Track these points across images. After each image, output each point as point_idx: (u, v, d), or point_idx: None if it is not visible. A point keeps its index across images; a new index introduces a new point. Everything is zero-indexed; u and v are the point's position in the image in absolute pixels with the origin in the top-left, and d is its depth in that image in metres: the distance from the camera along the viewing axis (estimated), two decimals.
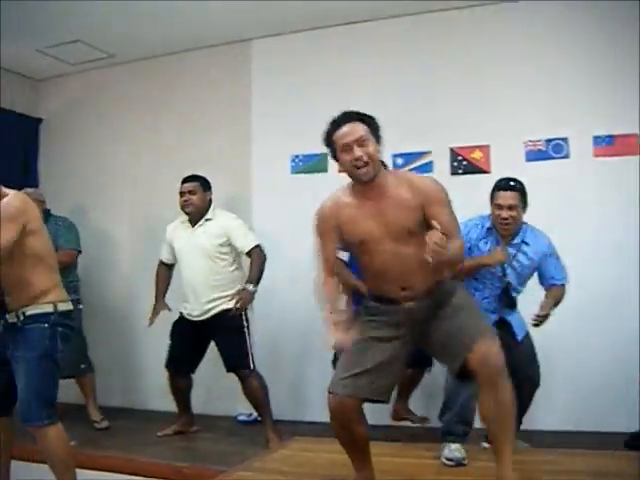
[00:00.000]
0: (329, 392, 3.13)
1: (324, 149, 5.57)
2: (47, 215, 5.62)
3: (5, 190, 3.53)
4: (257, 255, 4.94)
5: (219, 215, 5.10)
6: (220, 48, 6.19)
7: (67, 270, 5.60)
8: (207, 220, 5.06)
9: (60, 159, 6.87)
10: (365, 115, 3.12)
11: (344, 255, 4.92)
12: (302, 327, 5.64)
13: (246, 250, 4.96)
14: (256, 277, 4.91)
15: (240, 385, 4.91)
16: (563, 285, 4.23)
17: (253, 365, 4.87)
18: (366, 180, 3.04)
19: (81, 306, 5.68)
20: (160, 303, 5.24)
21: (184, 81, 6.38)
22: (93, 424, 5.46)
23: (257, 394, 4.84)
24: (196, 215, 5.07)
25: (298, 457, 4.11)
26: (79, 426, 5.37)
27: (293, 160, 5.85)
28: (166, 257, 5.31)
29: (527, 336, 4.27)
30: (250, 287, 4.87)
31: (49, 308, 3.58)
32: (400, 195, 3.06)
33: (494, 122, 5.26)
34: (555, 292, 4.19)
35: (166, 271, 5.33)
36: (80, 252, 5.68)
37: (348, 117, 3.11)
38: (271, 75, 6.00)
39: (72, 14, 5.49)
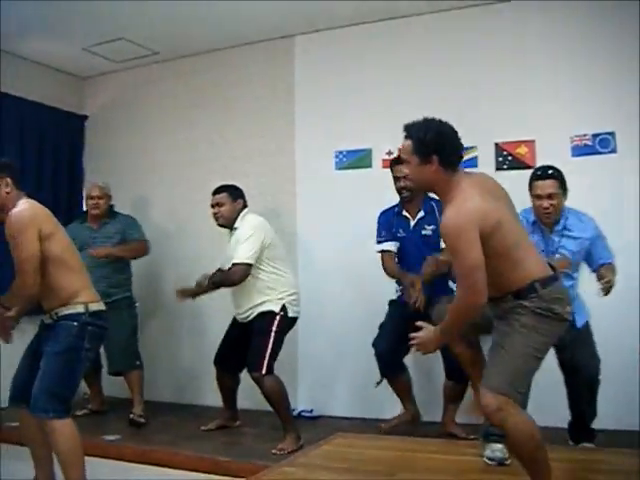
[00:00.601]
0: None
1: (368, 144, 5.66)
2: (111, 212, 5.78)
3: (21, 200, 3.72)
4: (233, 273, 4.84)
5: (243, 222, 5.02)
6: (263, 44, 6.20)
7: (126, 267, 5.78)
8: (234, 229, 5.04)
9: (104, 156, 6.95)
10: (413, 133, 3.15)
11: (393, 246, 4.94)
12: (343, 322, 5.63)
13: (231, 261, 4.87)
14: (216, 282, 4.93)
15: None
16: (611, 263, 4.16)
17: (267, 369, 4.73)
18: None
19: (137, 304, 5.82)
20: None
21: (227, 78, 6.40)
22: (130, 416, 5.49)
23: (270, 396, 4.75)
24: (228, 225, 5.07)
25: (341, 453, 4.11)
26: (124, 421, 5.45)
27: (337, 156, 5.84)
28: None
29: (587, 325, 4.18)
30: (202, 280, 4.95)
31: (81, 308, 3.74)
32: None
33: (540, 117, 5.19)
34: (606, 268, 4.12)
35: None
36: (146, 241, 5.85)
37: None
38: (314, 71, 6.00)
39: (117, 12, 5.54)
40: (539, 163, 5.09)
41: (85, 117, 7.16)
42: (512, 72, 5.30)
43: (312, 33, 5.98)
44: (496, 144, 5.30)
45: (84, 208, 6.00)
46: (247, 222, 5.02)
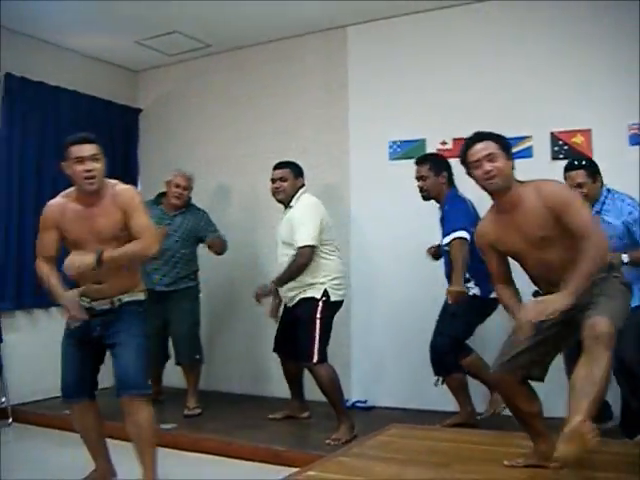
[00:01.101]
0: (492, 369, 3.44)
1: (422, 135, 5.63)
2: (189, 204, 5.82)
3: (110, 180, 3.76)
4: (299, 256, 4.80)
5: (299, 202, 5.00)
6: (315, 35, 6.21)
7: (194, 257, 5.82)
8: (289, 208, 5.02)
9: (158, 148, 7.03)
10: (494, 134, 3.37)
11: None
12: (399, 313, 5.62)
13: (295, 246, 4.85)
14: (284, 278, 4.86)
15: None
16: None
17: (318, 357, 4.73)
18: (496, 189, 3.27)
19: (201, 295, 5.84)
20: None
21: (280, 69, 6.42)
22: (184, 409, 5.53)
23: (324, 384, 4.75)
24: (284, 202, 5.06)
25: (397, 443, 4.10)
26: (179, 410, 5.51)
27: (391, 146, 5.81)
28: None
29: (637, 310, 4.03)
30: (272, 284, 4.89)
31: (142, 296, 3.87)
32: (529, 204, 3.25)
33: (596, 106, 5.10)
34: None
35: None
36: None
37: (479, 137, 3.37)
38: (367, 61, 5.98)
39: (169, 6, 5.59)
40: (595, 152, 5.03)
41: (139, 110, 7.26)
42: (568, 60, 5.21)
43: (365, 23, 5.97)
44: (552, 133, 5.22)
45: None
46: (303, 203, 5.00)
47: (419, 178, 4.87)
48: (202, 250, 5.87)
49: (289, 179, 5.04)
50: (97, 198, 3.67)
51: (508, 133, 5.17)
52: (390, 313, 5.70)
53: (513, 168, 3.31)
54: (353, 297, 5.61)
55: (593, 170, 4.32)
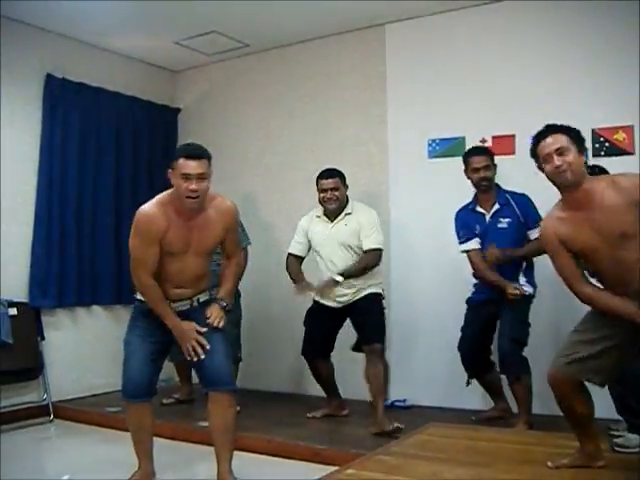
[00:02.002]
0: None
1: (461, 133, 5.60)
2: None
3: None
4: (368, 257, 4.98)
5: (357, 209, 5.12)
6: (353, 34, 6.19)
7: None
8: (347, 214, 5.09)
9: None
10: (566, 127, 3.27)
11: (476, 243, 4.88)
12: (439, 312, 5.60)
13: (365, 248, 4.99)
14: (352, 272, 4.94)
15: (364, 364, 4.92)
16: None
17: (383, 346, 4.91)
18: (567, 185, 3.18)
19: (241, 296, 5.79)
20: (303, 282, 5.19)
21: (318, 68, 6.42)
22: None
23: (378, 376, 4.82)
24: (337, 210, 5.10)
25: (436, 442, 4.09)
26: None
27: (430, 144, 5.78)
28: (297, 250, 5.31)
29: None
30: (337, 277, 4.93)
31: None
32: (606, 200, 3.13)
33: (638, 101, 5.03)
34: None
35: (297, 262, 5.31)
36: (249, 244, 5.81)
37: (551, 129, 3.27)
38: (405, 59, 5.94)
39: (208, 6, 5.61)
40: (638, 149, 4.96)
41: (178, 110, 7.31)
42: (610, 55, 5.14)
43: (403, 21, 5.93)
44: (593, 130, 5.15)
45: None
46: (365, 209, 5.16)
47: (483, 168, 4.82)
48: None
49: (340, 188, 5.10)
50: (199, 211, 3.69)
51: None
52: (429, 313, 5.67)
53: (586, 163, 3.25)
54: (392, 296, 5.59)
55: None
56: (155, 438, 3.96)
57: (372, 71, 6.09)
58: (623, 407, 4.01)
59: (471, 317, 4.98)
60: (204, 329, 3.75)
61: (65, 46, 6.20)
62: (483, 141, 5.43)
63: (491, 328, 4.92)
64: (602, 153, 5.08)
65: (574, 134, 3.24)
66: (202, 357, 3.71)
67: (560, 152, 3.16)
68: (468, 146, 5.52)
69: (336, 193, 5.05)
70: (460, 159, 5.11)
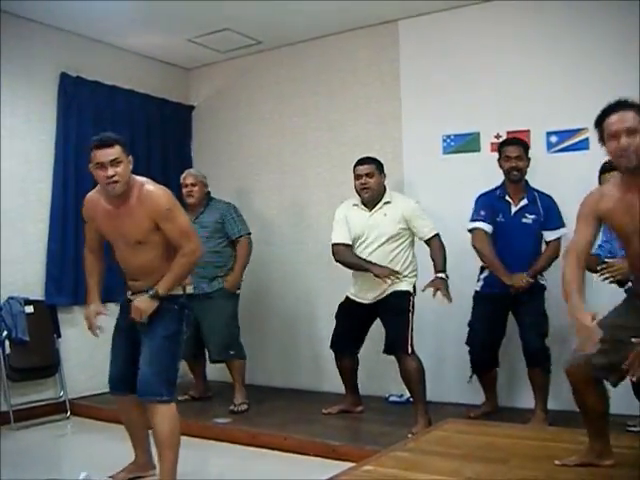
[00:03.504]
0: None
1: (476, 128, 5.59)
2: (208, 199, 5.73)
3: (138, 178, 3.71)
4: (438, 244, 4.91)
5: (397, 198, 5.04)
6: (366, 30, 6.18)
7: (232, 253, 5.69)
8: (386, 203, 5.00)
9: (211, 145, 7.08)
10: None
11: (489, 227, 4.87)
12: (454, 308, 5.57)
13: (426, 238, 4.93)
14: (442, 265, 4.85)
15: (397, 366, 4.87)
16: None
17: (412, 348, 4.78)
18: (628, 168, 3.00)
19: (238, 291, 5.74)
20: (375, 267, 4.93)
21: (331, 65, 6.41)
22: (230, 407, 5.46)
23: (412, 376, 4.77)
24: (373, 198, 5.00)
25: (453, 439, 4.08)
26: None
27: (445, 140, 5.77)
28: (345, 238, 5.04)
29: None
30: (441, 275, 4.81)
31: (179, 290, 3.76)
32: None
33: None
34: None
35: (349, 250, 5.04)
36: (250, 234, 5.72)
37: (623, 105, 3.02)
38: (419, 56, 5.92)
39: (221, 3, 5.62)
40: None
41: (192, 107, 7.32)
42: (625, 49, 5.10)
43: (416, 17, 5.91)
44: None
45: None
46: (404, 197, 5.13)
47: (516, 158, 4.79)
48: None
49: (375, 175, 5.00)
50: (124, 199, 3.63)
51: (563, 125, 5.26)
52: (444, 309, 5.65)
53: None
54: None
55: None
56: None
57: (386, 68, 6.07)
58: None
59: (481, 312, 4.96)
60: (147, 328, 3.68)
61: (79, 44, 6.22)
62: (498, 136, 5.41)
63: (502, 324, 4.92)
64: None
65: None
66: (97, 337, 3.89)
67: (630, 132, 2.94)
68: (483, 142, 5.53)
69: (370, 180, 4.95)
70: (475, 154, 5.11)
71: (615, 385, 3.26)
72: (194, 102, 7.33)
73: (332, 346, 5.25)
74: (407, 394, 5.22)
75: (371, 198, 4.99)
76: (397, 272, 4.86)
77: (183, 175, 5.73)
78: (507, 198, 4.88)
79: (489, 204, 4.91)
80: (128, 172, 3.62)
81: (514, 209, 4.85)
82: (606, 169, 4.20)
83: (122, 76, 6.55)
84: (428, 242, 4.93)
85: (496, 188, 4.96)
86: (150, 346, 3.66)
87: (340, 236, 5.08)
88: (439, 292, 4.72)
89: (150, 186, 3.68)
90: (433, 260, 4.88)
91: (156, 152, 6.78)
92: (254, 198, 6.71)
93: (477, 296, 5.02)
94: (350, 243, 5.05)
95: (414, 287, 4.94)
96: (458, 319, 5.25)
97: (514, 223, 4.83)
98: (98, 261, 3.98)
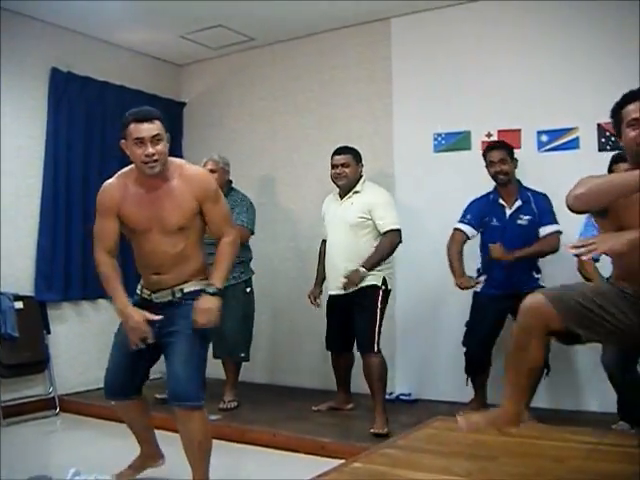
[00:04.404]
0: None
1: (467, 127, 5.61)
2: (229, 188, 5.57)
3: (175, 159, 3.51)
4: (389, 239, 4.85)
5: (368, 188, 5.03)
6: (358, 28, 6.18)
7: (245, 248, 5.51)
8: (355, 193, 4.99)
9: (202, 141, 7.07)
10: None
11: (470, 232, 4.88)
12: (445, 306, 5.61)
13: (382, 230, 4.89)
14: (372, 261, 4.80)
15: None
16: None
17: (377, 347, 4.77)
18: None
19: (249, 289, 5.60)
20: (314, 289, 5.26)
21: (323, 62, 6.41)
22: (220, 405, 5.41)
23: (375, 374, 4.76)
24: (347, 188, 5.02)
25: (442, 436, 4.08)
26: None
27: (436, 139, 5.78)
28: (324, 234, 5.21)
29: None
30: (361, 270, 4.78)
31: (206, 285, 3.47)
32: None
33: None
34: None
35: (322, 249, 5.27)
36: (253, 233, 5.58)
37: None
38: (411, 53, 5.93)
39: (213, 0, 5.61)
40: None
41: (183, 104, 7.31)
42: (615, 50, 5.11)
43: (408, 15, 5.92)
44: (598, 125, 5.14)
45: None
46: (377, 188, 5.08)
47: (499, 162, 4.79)
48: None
49: (351, 165, 5.01)
50: (161, 180, 3.37)
51: (554, 124, 5.27)
52: (435, 306, 5.68)
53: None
54: (398, 289, 5.59)
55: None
56: (159, 431, 3.97)
57: (378, 65, 6.08)
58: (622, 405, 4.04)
59: (481, 313, 4.91)
60: (175, 328, 3.40)
61: (70, 40, 6.20)
62: (489, 135, 5.44)
63: (500, 325, 4.89)
64: (608, 147, 5.07)
65: None
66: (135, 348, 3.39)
67: None
68: (474, 140, 5.54)
69: (346, 170, 4.96)
70: (466, 153, 5.12)
71: (584, 341, 2.97)
72: (185, 98, 7.33)
73: (327, 347, 5.26)
74: (413, 392, 5.22)
75: (345, 187, 5.01)
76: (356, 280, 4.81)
77: (204, 160, 5.45)
78: (501, 202, 4.87)
79: (479, 209, 4.93)
80: (167, 150, 3.38)
81: (509, 212, 4.85)
82: (617, 160, 4.17)
83: (113, 72, 6.54)
84: (384, 234, 4.88)
85: (489, 193, 4.96)
86: (184, 347, 3.37)
87: (324, 232, 5.22)
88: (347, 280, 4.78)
89: (194, 166, 3.52)
90: (373, 251, 4.84)
91: None
92: (247, 194, 6.70)
93: (476, 297, 5.00)
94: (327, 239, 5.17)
95: (384, 280, 4.87)
96: (451, 318, 5.27)
97: (510, 226, 4.82)
98: (116, 268, 3.52)
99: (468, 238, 4.92)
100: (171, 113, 7.13)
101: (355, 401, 5.40)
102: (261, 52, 6.78)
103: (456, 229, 4.94)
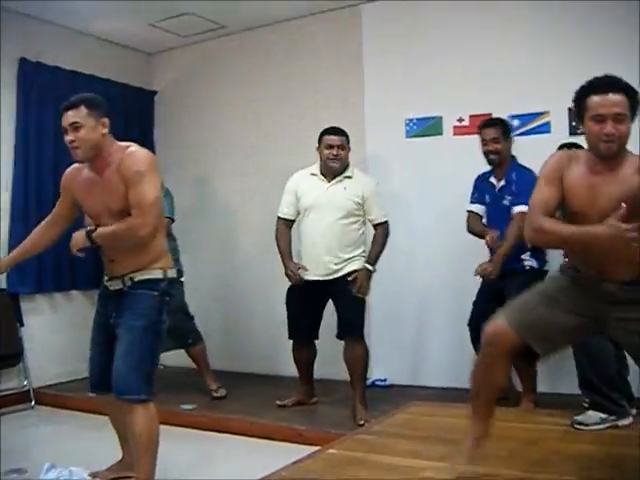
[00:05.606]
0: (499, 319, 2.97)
1: (438, 112, 5.61)
2: None
3: (123, 143, 3.46)
4: (383, 232, 4.85)
5: (359, 175, 4.94)
6: (329, 14, 6.16)
7: (169, 238, 5.47)
8: (347, 177, 4.89)
9: (174, 130, 7.04)
10: (630, 89, 2.78)
11: (480, 209, 4.85)
12: (419, 291, 5.63)
13: (376, 222, 4.86)
14: (376, 256, 4.82)
15: (344, 348, 4.80)
16: None
17: (363, 333, 4.78)
18: (608, 156, 2.78)
19: (182, 279, 5.46)
20: (291, 263, 4.97)
21: (294, 49, 6.39)
22: (211, 393, 5.46)
23: (358, 362, 4.74)
24: (337, 170, 4.88)
25: (418, 421, 4.12)
26: (199, 390, 5.53)
27: (407, 124, 5.79)
28: (287, 212, 5.03)
29: None
30: (369, 267, 4.78)
31: (159, 274, 3.41)
32: (625, 175, 2.75)
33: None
34: None
35: (287, 230, 5.05)
36: (173, 221, 5.46)
37: (612, 85, 2.77)
38: (381, 39, 5.92)
39: None
40: None
41: (154, 92, 7.26)
42: (584, 34, 5.14)
43: (378, 1, 5.91)
44: (569, 109, 5.15)
45: None
46: (366, 176, 5.03)
47: (491, 141, 4.68)
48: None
49: (346, 147, 4.92)
50: (104, 165, 3.35)
51: (526, 109, 5.29)
52: (410, 292, 5.70)
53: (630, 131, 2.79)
54: (373, 276, 5.61)
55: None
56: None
57: (349, 51, 6.07)
58: (584, 382, 4.04)
59: (479, 293, 4.82)
60: (120, 319, 3.36)
61: (39, 29, 6.12)
62: (460, 120, 5.46)
63: (496, 303, 4.80)
64: (579, 131, 5.06)
65: (633, 99, 2.77)
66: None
67: (618, 119, 2.71)
68: (445, 125, 5.56)
69: (342, 152, 4.85)
70: (438, 138, 5.13)
71: (542, 357, 3.17)
72: (157, 87, 7.27)
73: (290, 336, 5.09)
74: (389, 378, 5.22)
75: (337, 170, 4.87)
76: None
77: None
78: (491, 179, 4.80)
79: (479, 186, 4.89)
80: (94, 136, 3.32)
81: (496, 191, 4.76)
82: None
83: (83, 61, 6.45)
84: (376, 227, 4.87)
85: (488, 170, 4.87)
86: (126, 338, 3.31)
87: (282, 209, 5.05)
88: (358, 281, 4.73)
89: (133, 148, 3.40)
90: (372, 246, 4.84)
91: (117, 138, 6.67)
92: (218, 183, 6.71)
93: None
94: (291, 218, 5.03)
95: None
96: (426, 304, 5.30)
97: (497, 204, 4.71)
98: (48, 231, 3.67)
99: (480, 215, 4.85)
100: (142, 102, 7.12)
101: (325, 388, 5.39)
102: (232, 40, 6.74)
103: (468, 211, 4.86)
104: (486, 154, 4.74)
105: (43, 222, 3.70)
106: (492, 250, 4.69)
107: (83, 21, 6.26)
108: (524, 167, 4.67)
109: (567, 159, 2.93)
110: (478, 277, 4.65)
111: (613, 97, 2.73)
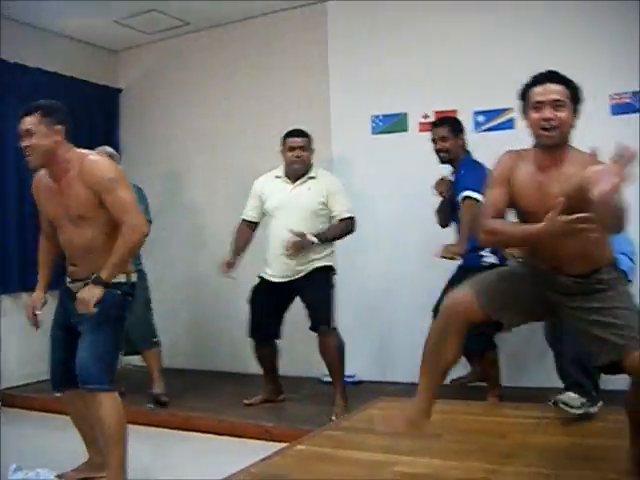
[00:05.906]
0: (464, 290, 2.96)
1: (404, 108, 5.63)
2: None
3: (81, 150, 3.47)
4: (345, 224, 4.85)
5: (322, 175, 4.95)
6: (295, 12, 6.16)
7: None
8: (311, 178, 4.91)
9: (140, 128, 7.01)
10: (570, 81, 2.85)
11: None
12: (386, 287, 5.64)
13: (339, 218, 4.86)
14: (328, 236, 4.80)
15: (318, 341, 4.80)
16: None
17: (333, 324, 4.78)
18: (549, 144, 2.79)
19: (147, 275, 5.45)
20: (231, 258, 5.01)
21: (260, 46, 6.38)
22: (157, 397, 5.25)
23: (333, 352, 4.75)
24: (300, 172, 4.91)
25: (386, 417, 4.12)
26: (167, 389, 5.47)
27: (373, 121, 5.82)
28: (251, 215, 5.08)
29: None
30: (313, 238, 4.71)
31: (122, 278, 3.47)
32: (569, 172, 2.73)
33: (577, 75, 5.06)
34: None
35: (249, 231, 5.10)
36: (151, 222, 5.26)
37: (551, 77, 2.85)
38: (347, 36, 5.94)
39: None
40: (581, 121, 5.01)
41: (119, 90, 7.21)
42: (549, 30, 5.19)
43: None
44: None
45: None
46: (330, 175, 5.03)
47: (440, 139, 4.70)
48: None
49: (308, 149, 4.93)
50: (61, 172, 3.40)
51: (489, 105, 5.33)
52: (376, 287, 5.72)
53: (572, 126, 2.82)
54: (339, 271, 5.59)
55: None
56: (159, 429, 3.96)
57: (314, 49, 6.07)
58: (568, 364, 4.06)
59: (450, 282, 4.64)
60: (82, 316, 3.38)
61: (1, 26, 6.02)
62: (425, 116, 5.49)
63: None
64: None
65: (574, 90, 2.83)
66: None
67: (556, 105, 2.76)
68: (411, 122, 5.59)
69: (304, 154, 4.87)
70: (403, 134, 5.15)
71: (507, 327, 3.23)
72: (123, 85, 7.22)
73: (251, 334, 5.07)
74: (357, 374, 5.28)
75: (299, 172, 4.90)
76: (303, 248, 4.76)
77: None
78: (450, 177, 4.77)
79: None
80: (45, 142, 3.36)
81: (452, 186, 4.74)
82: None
83: (46, 58, 6.38)
84: (340, 220, 4.86)
85: None
86: (89, 332, 3.38)
87: (246, 212, 5.10)
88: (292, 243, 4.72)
89: (93, 156, 3.44)
90: (329, 227, 4.85)
91: (82, 136, 6.39)
92: (185, 180, 6.68)
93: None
94: (255, 221, 5.08)
95: (332, 266, 4.91)
96: (393, 300, 5.31)
97: (454, 200, 4.67)
98: (53, 248, 3.72)
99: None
100: (107, 99, 7.07)
101: (293, 385, 5.40)
102: (197, 37, 6.72)
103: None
104: (436, 152, 4.76)
105: (40, 240, 3.81)
106: (442, 195, 4.75)
107: (48, 18, 6.20)
108: (475, 162, 4.66)
109: (515, 159, 2.96)
110: (443, 259, 4.61)
111: (551, 86, 2.81)
